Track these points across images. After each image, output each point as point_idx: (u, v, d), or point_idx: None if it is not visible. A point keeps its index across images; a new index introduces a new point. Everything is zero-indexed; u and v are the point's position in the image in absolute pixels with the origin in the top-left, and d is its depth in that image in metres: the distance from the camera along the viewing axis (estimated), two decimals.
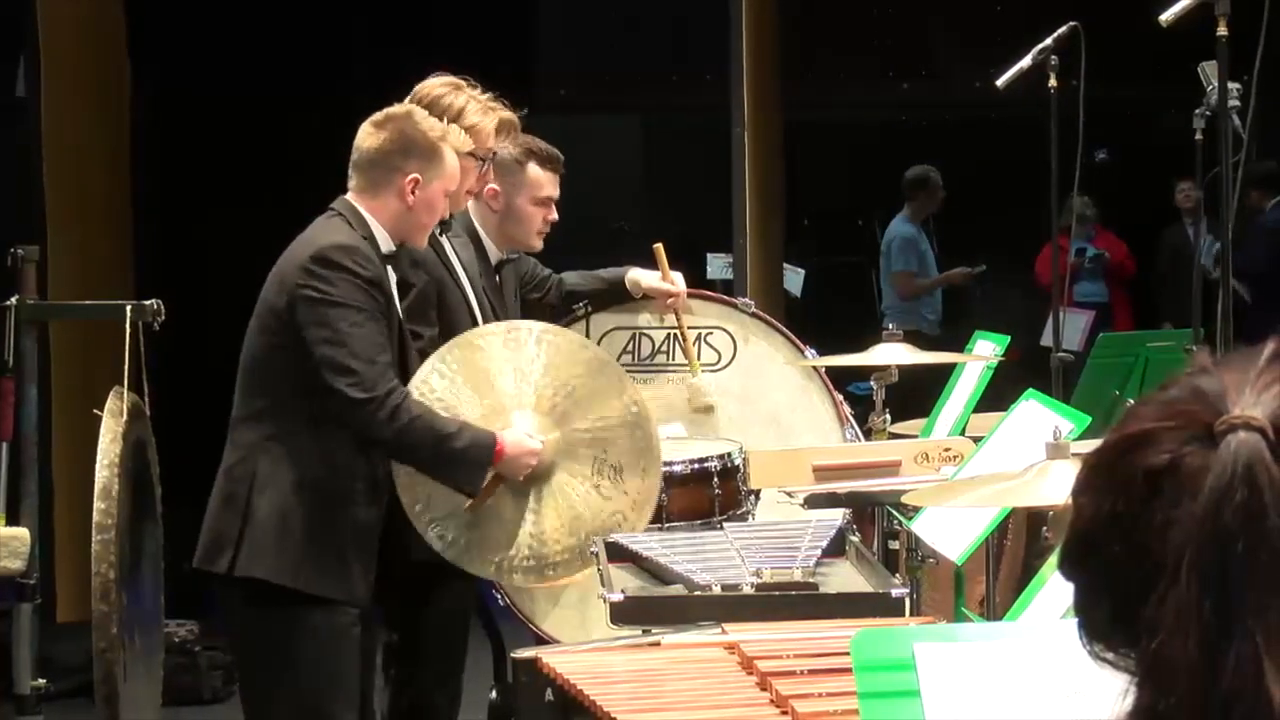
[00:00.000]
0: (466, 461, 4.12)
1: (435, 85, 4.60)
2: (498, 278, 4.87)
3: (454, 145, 4.25)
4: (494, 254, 4.85)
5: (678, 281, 5.24)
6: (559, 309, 5.21)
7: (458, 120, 4.50)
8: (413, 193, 4.15)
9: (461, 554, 4.26)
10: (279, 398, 4.07)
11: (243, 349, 4.16)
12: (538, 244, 4.94)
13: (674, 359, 5.30)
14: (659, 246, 5.20)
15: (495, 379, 4.26)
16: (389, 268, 4.19)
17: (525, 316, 4.83)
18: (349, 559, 4.09)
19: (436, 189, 4.19)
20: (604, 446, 4.27)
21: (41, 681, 5.66)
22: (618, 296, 5.26)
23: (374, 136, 4.19)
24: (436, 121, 4.25)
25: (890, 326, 5.08)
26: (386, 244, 4.17)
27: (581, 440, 4.27)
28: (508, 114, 4.66)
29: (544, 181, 4.88)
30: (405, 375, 4.20)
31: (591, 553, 4.11)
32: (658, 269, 5.26)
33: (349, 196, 4.20)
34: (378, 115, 4.23)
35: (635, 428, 4.30)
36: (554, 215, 4.91)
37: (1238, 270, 6.46)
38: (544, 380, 4.28)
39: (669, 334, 5.30)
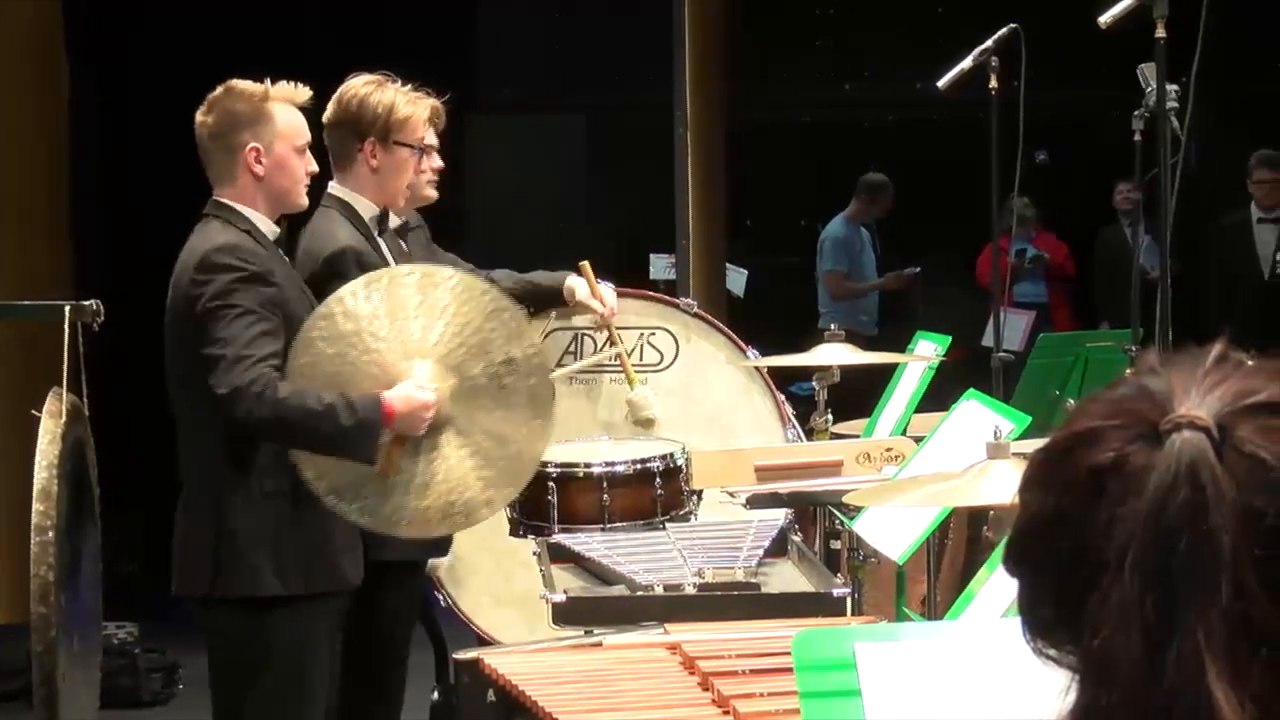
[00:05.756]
0: (356, 432, 3.87)
1: (359, 85, 4.59)
2: (402, 243, 4.72)
3: (284, 97, 4.11)
4: (395, 219, 4.71)
5: (606, 298, 5.12)
6: None
7: (389, 114, 4.49)
8: (259, 161, 4.05)
9: (385, 521, 4.04)
10: (215, 406, 3.91)
11: (166, 359, 4.06)
12: (432, 194, 4.79)
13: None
14: (585, 264, 5.11)
15: (406, 321, 4.04)
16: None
17: None
18: (334, 551, 4.02)
19: (281, 149, 4.07)
20: (500, 383, 4.07)
21: None
22: (551, 302, 5.13)
23: (202, 125, 4.09)
24: (254, 84, 4.10)
25: (832, 327, 5.09)
26: (270, 229, 4.08)
27: (478, 383, 4.06)
28: (435, 101, 4.66)
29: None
30: None
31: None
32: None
33: (215, 195, 4.11)
34: (202, 105, 4.11)
35: (534, 369, 4.12)
36: (438, 162, 4.76)
37: None
38: (450, 329, 4.06)
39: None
